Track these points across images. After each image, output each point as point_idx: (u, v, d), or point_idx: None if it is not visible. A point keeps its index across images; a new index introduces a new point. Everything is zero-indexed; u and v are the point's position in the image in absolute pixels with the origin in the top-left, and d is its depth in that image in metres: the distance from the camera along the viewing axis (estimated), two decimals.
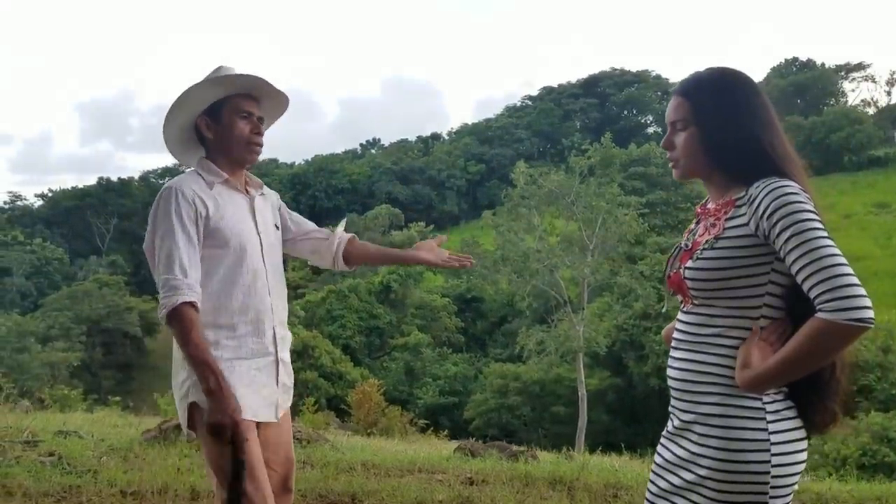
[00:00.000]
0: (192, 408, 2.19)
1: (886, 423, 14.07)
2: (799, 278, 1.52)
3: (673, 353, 1.77)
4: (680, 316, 1.78)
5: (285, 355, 2.39)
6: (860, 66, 74.36)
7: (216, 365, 2.09)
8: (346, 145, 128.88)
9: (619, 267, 29.07)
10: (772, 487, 1.57)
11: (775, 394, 1.62)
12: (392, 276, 40.96)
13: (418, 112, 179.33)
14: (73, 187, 71.91)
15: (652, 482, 1.76)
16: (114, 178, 71.85)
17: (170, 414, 9.90)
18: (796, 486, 1.63)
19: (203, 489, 3.95)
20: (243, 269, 2.26)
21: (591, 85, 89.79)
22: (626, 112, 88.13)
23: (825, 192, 49.34)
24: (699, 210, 1.81)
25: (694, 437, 1.65)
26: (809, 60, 78.95)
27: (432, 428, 17.17)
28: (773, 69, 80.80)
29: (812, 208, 1.55)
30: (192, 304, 2.12)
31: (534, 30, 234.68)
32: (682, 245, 1.78)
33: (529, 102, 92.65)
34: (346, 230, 2.65)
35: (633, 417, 27.73)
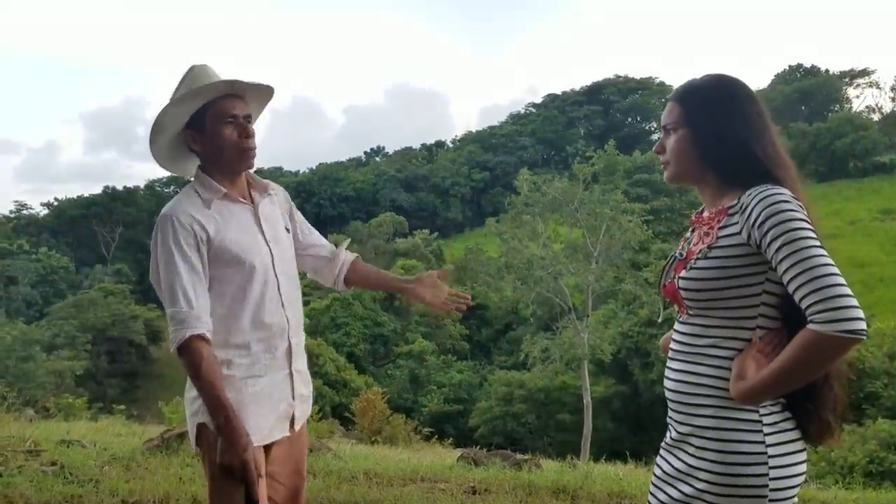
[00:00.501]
0: (201, 427, 2.14)
1: (894, 431, 13.94)
2: (790, 288, 1.50)
3: (669, 363, 1.76)
4: (676, 326, 1.77)
5: (300, 365, 2.30)
6: (865, 73, 74.22)
7: (228, 402, 2.01)
8: (350, 153, 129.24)
9: (624, 274, 28.97)
10: (770, 501, 1.56)
11: (772, 405, 1.60)
12: None
13: (422, 120, 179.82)
14: (78, 196, 72.28)
15: (652, 494, 1.75)
16: (119, 187, 72.31)
17: (174, 423, 9.89)
18: (795, 499, 1.62)
19: (204, 499, 3.93)
20: (253, 286, 2.17)
21: (595, 92, 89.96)
22: (629, 119, 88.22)
23: (830, 198, 49.27)
24: (694, 218, 1.80)
25: (691, 450, 1.64)
26: (814, 67, 78.98)
27: (437, 436, 17.11)
28: (778, 76, 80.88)
29: (804, 216, 1.53)
30: (201, 337, 2.03)
31: (538, 37, 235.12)
32: (677, 254, 1.77)
33: (533, 110, 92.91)
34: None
35: (638, 425, 27.61)
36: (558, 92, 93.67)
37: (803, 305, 1.47)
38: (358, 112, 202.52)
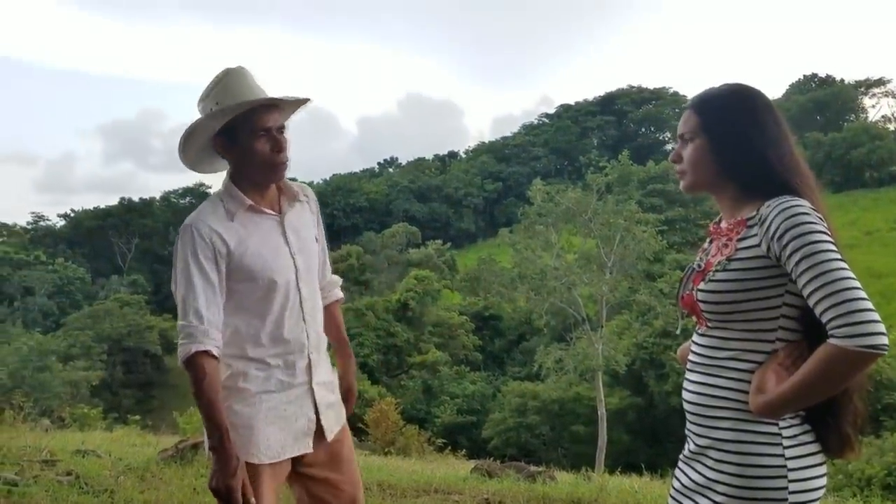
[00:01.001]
0: None
1: None
2: (811, 302, 1.49)
3: (688, 375, 1.74)
4: (695, 338, 1.75)
5: (322, 377, 2.26)
6: (880, 82, 73.89)
7: (224, 424, 1.99)
8: (364, 164, 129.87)
9: (638, 284, 28.87)
10: None
11: (792, 418, 1.58)
12: (409, 294, 40.98)
13: (436, 130, 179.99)
14: (95, 207, 72.78)
15: None
16: (135, 199, 72.84)
17: (188, 433, 9.91)
18: None
19: None
20: (273, 302, 2.14)
21: (609, 102, 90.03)
22: (643, 129, 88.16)
23: (847, 208, 48.92)
24: (712, 229, 1.78)
25: (710, 463, 1.62)
26: (829, 76, 78.71)
27: (450, 447, 17.05)
28: (793, 85, 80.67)
29: (824, 229, 1.51)
30: (207, 353, 2.01)
31: (550, 47, 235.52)
32: (695, 265, 1.76)
33: (546, 120, 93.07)
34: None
35: (653, 437, 27.42)
36: (572, 102, 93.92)
37: (824, 319, 1.45)
38: (371, 123, 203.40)
